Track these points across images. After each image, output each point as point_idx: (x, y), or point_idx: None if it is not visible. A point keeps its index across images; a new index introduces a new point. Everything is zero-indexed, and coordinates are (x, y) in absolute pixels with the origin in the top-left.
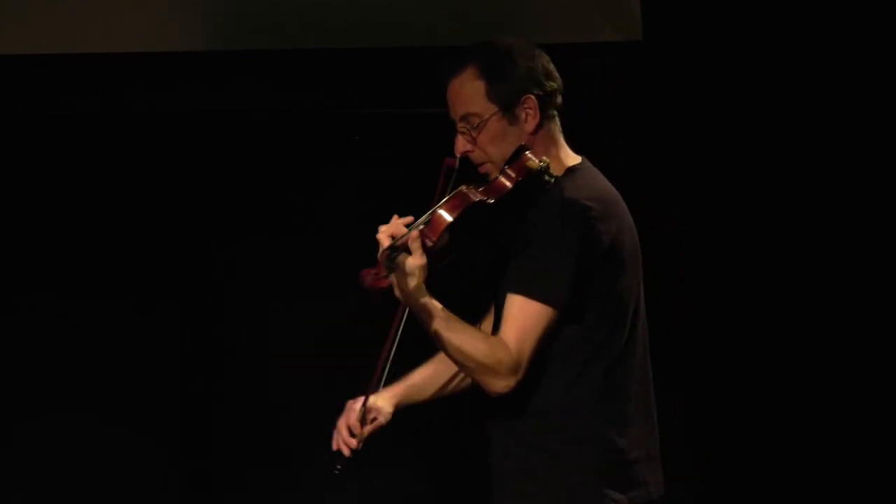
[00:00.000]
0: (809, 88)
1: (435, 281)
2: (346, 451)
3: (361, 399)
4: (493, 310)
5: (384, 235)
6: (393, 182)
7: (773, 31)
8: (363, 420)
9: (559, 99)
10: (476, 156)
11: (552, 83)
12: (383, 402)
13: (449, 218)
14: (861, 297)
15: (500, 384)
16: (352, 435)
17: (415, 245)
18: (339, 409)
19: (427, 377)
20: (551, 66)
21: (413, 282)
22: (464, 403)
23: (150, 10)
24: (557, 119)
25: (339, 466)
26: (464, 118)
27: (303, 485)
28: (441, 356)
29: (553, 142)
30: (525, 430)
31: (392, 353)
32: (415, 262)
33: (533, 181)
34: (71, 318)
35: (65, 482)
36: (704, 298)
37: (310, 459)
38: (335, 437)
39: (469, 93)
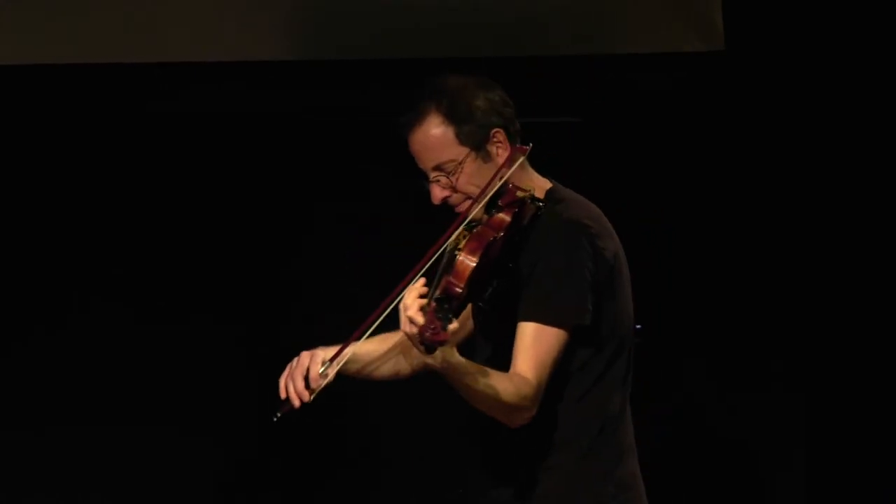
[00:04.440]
0: None
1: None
2: (296, 403)
3: (320, 352)
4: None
5: (411, 299)
6: None
7: (859, 35)
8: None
9: (517, 124)
10: (455, 199)
11: (509, 109)
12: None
13: (473, 263)
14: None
15: (526, 416)
16: (307, 387)
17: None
18: (402, 412)
19: (368, 352)
20: (502, 92)
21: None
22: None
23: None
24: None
25: (279, 414)
26: (437, 167)
27: (379, 485)
28: (384, 337)
29: (522, 167)
30: (531, 448)
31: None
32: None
33: (524, 210)
34: (142, 329)
35: (138, 490)
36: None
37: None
38: (285, 384)
39: (437, 141)
